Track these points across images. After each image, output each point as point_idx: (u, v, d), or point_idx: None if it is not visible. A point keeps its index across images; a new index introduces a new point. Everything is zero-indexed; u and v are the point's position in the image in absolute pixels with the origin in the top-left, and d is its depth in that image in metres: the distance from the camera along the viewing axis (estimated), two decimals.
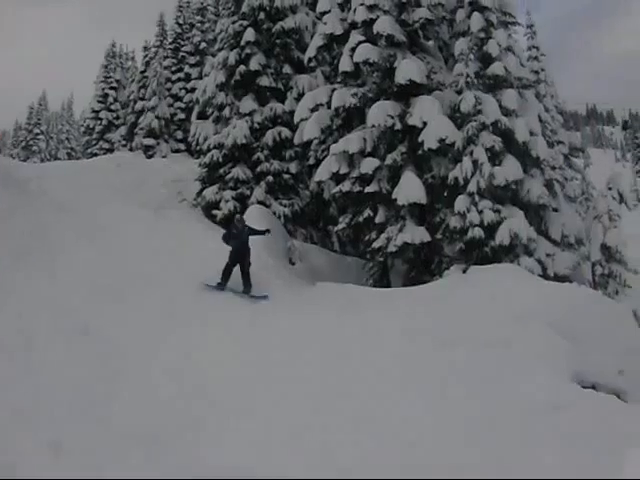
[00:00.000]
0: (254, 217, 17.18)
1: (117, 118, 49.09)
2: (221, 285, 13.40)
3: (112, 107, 49.61)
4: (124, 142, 45.21)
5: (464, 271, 14.12)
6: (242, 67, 21.06)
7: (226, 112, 21.59)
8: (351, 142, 16.74)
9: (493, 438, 7.09)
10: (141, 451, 6.65)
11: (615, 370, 11.01)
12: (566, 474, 6.27)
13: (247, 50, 21.18)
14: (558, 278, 14.80)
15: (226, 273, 13.53)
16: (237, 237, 14.03)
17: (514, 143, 15.48)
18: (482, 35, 16.47)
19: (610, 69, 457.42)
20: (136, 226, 16.09)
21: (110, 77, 50.56)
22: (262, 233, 14.65)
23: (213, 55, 24.50)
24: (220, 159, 20.80)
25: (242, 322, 11.46)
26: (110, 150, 45.10)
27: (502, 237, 14.48)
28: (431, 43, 18.90)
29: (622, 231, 18.26)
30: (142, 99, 42.40)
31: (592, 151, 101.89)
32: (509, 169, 15.04)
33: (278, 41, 21.64)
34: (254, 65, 20.95)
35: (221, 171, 20.87)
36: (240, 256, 13.80)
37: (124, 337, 9.73)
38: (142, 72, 45.10)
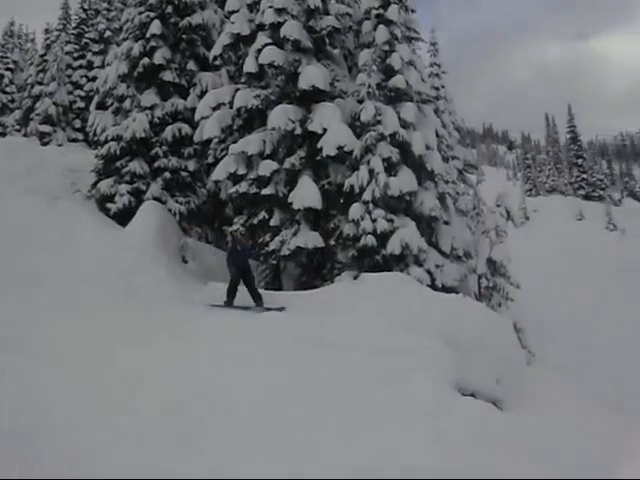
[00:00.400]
0: (148, 213, 16.86)
1: (12, 101, 47.07)
2: (228, 303, 13.14)
3: (7, 89, 47.55)
4: (18, 127, 43.36)
5: (355, 278, 14.29)
6: (146, 59, 20.54)
7: (126, 104, 21.03)
8: (250, 143, 16.69)
9: (373, 440, 7.20)
10: None
11: (493, 379, 11.41)
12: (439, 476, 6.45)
13: (152, 43, 20.67)
14: (446, 289, 15.22)
15: (231, 290, 13.26)
16: (239, 253, 13.68)
17: (410, 155, 15.85)
18: (386, 48, 16.80)
19: (507, 92, 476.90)
20: (26, 215, 15.53)
21: (7, 57, 48.43)
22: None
23: (117, 44, 23.86)
24: (117, 152, 20.22)
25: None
26: (2, 134, 43.14)
27: (394, 246, 14.78)
28: (337, 51, 19.06)
29: (507, 247, 18.97)
30: (40, 83, 40.86)
31: (486, 169, 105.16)
32: (404, 180, 15.39)
33: (184, 36, 21.23)
34: (158, 59, 20.48)
35: (118, 164, 20.28)
36: (242, 272, 13.49)
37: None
38: (42, 55, 43.38)
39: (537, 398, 12.66)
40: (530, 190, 74.01)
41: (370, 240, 14.84)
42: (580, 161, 73.06)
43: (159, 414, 7.55)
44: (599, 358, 23.35)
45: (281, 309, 12.81)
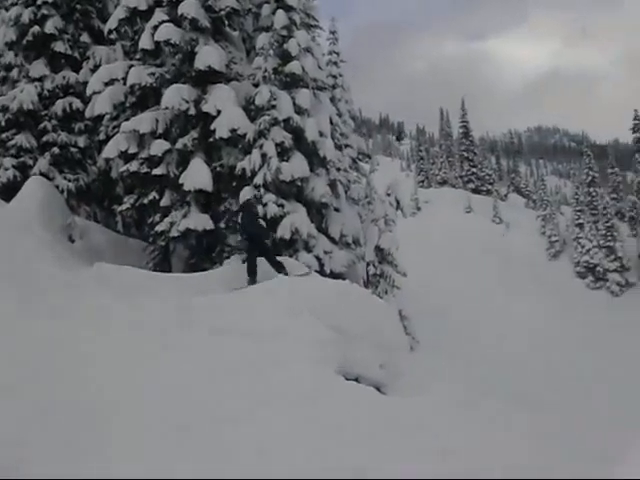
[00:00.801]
0: (33, 189, 16.28)
1: None
2: (251, 282, 12.77)
3: None
4: None
5: (244, 261, 14.32)
6: (36, 28, 19.68)
7: (14, 74, 20.16)
8: (143, 122, 16.37)
9: (257, 423, 7.25)
10: None
11: (377, 364, 11.71)
12: (324, 463, 6.54)
13: (43, 10, 19.81)
14: (334, 275, 15.48)
15: (251, 267, 12.92)
16: (250, 224, 13.36)
17: (303, 141, 15.99)
18: (284, 33, 16.84)
19: (406, 85, 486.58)
20: None
21: None
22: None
23: (6, 9, 22.79)
24: (3, 123, 19.43)
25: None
26: None
27: (283, 231, 14.90)
28: (235, 34, 18.89)
29: (397, 235, 19.47)
30: None
31: (381, 159, 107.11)
32: (296, 166, 15.52)
33: (78, 6, 20.52)
34: (49, 28, 19.68)
35: (3, 136, 19.48)
36: (258, 244, 13.23)
37: None
38: None
39: (420, 382, 13.10)
40: (422, 181, 75.66)
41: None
42: (471, 156, 75.31)
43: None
44: (486, 342, 24.29)
45: (306, 274, 12.92)
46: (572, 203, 59.59)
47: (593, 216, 54.76)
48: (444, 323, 23.19)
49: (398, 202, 20.06)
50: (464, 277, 38.93)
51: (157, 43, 16.91)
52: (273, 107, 15.71)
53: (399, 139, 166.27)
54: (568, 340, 33.47)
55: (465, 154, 75.82)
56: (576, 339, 34.40)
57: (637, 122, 55.46)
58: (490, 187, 73.29)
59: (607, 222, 52.99)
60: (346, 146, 19.69)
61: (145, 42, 17.02)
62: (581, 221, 53.63)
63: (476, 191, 70.89)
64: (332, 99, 19.98)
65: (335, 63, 26.66)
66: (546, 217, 56.22)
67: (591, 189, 58.06)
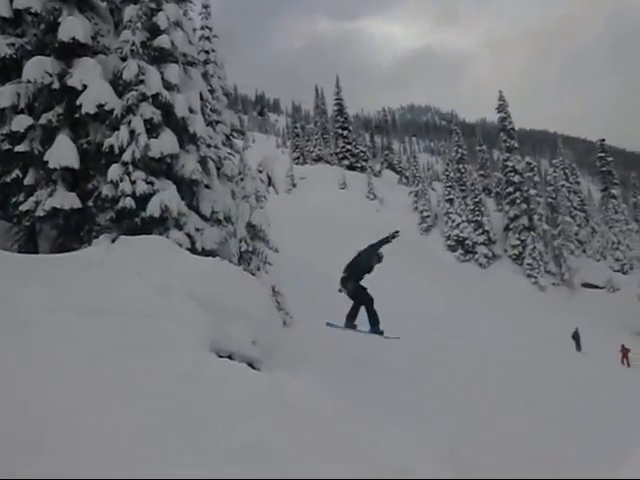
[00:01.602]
0: None
1: None
2: (349, 325, 11.99)
3: None
4: None
5: (113, 241, 14.01)
6: None
7: None
8: (3, 96, 15.57)
9: (120, 407, 7.18)
10: None
11: (250, 340, 11.84)
12: (197, 440, 6.57)
13: None
14: (206, 252, 15.41)
15: (353, 314, 12.07)
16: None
17: (173, 117, 15.72)
18: (153, 6, 16.42)
19: (281, 62, 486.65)
20: None
21: None
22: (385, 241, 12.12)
23: None
24: None
25: None
26: None
27: (153, 209, 14.65)
28: (103, 4, 18.22)
29: (269, 212, 19.58)
30: None
31: (257, 135, 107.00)
32: (165, 142, 15.25)
33: None
34: None
35: None
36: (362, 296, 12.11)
37: None
38: None
39: (293, 357, 13.36)
40: (298, 158, 76.00)
41: (129, 202, 14.58)
42: (345, 133, 76.28)
43: None
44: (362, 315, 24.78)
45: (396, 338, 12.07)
46: (443, 179, 61.83)
47: (462, 192, 57.14)
48: (319, 299, 23.52)
49: (270, 178, 20.13)
50: (339, 252, 39.50)
51: (17, 11, 16.06)
52: (141, 82, 15.33)
53: (261, 114, 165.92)
54: (440, 308, 34.81)
55: (340, 131, 76.73)
56: (447, 307, 35.85)
57: (502, 102, 58.08)
58: (364, 164, 74.59)
59: (475, 197, 55.47)
60: (218, 122, 19.55)
61: (3, 10, 16.12)
62: (451, 197, 55.83)
63: (351, 168, 72.03)
64: (204, 75, 19.72)
65: (208, 38, 26.22)
66: (418, 193, 58.10)
67: (460, 166, 60.49)
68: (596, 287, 52.89)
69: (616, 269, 56.39)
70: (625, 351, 37.37)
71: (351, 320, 12.02)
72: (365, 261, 12.18)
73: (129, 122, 15.02)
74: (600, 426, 15.45)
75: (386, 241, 11.93)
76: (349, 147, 75.52)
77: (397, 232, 11.94)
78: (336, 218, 49.22)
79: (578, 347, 37.29)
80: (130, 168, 14.71)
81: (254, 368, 11.07)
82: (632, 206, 71.69)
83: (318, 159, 74.70)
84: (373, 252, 12.10)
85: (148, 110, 15.18)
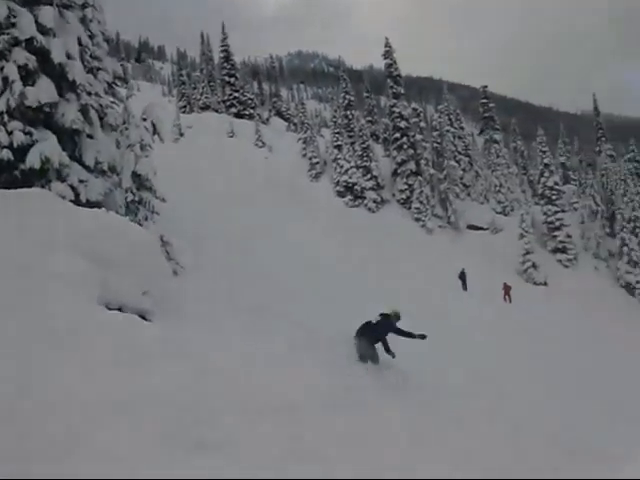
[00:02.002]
0: None
1: None
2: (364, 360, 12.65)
3: None
4: None
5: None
6: None
7: None
8: None
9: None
10: None
11: (140, 292, 11.65)
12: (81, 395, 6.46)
13: None
14: (91, 204, 14.91)
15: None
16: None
17: (50, 64, 14.92)
18: None
19: (167, 6, 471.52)
20: None
21: None
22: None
23: None
24: None
25: None
26: None
27: (33, 160, 13.98)
28: None
29: (155, 161, 19.11)
30: None
31: (142, 84, 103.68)
32: (43, 90, 14.49)
33: None
34: None
35: None
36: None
37: None
38: None
39: (184, 307, 13.27)
40: (185, 107, 74.20)
41: (6, 154, 13.84)
42: (232, 80, 74.84)
43: None
44: (259, 263, 24.78)
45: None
46: (331, 126, 62.02)
47: (350, 138, 57.54)
48: (212, 247, 23.34)
49: (155, 126, 19.58)
50: (231, 201, 39.28)
51: None
52: (13, 25, 14.42)
53: (139, 61, 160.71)
54: (330, 255, 35.24)
55: (227, 79, 75.34)
56: (337, 253, 36.33)
57: (388, 49, 58.47)
58: (252, 111, 73.82)
59: (363, 144, 56.00)
60: (99, 70, 18.64)
61: None
62: (339, 143, 56.11)
63: (239, 115, 71.15)
64: (82, 19, 18.70)
65: None
66: (307, 140, 58.01)
67: (348, 112, 60.77)
68: (480, 229, 54.83)
69: (498, 211, 58.56)
70: (507, 288, 39.23)
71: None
72: (381, 332, 12.87)
73: (1, 68, 14.18)
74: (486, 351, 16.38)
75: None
76: (236, 95, 74.37)
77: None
78: (225, 166, 48.60)
79: (464, 287, 38.82)
80: (5, 118, 13.94)
81: (145, 319, 10.96)
82: (512, 150, 74.43)
83: (205, 107, 73.20)
84: (391, 331, 12.76)
85: (22, 56, 14.34)
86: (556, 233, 53.42)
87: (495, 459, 7.60)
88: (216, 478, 5.54)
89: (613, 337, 32.53)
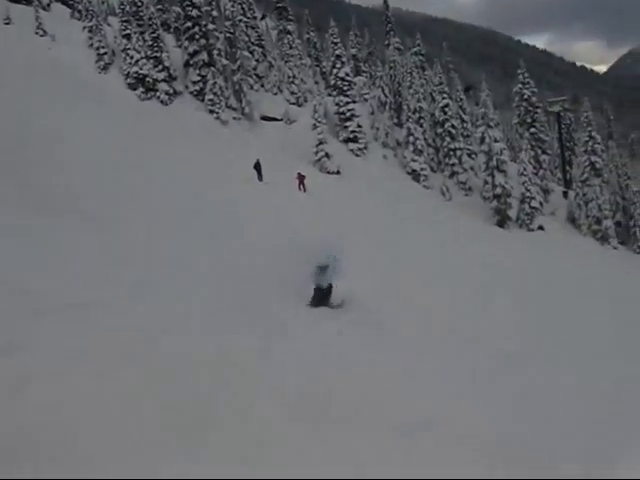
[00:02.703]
0: None
1: None
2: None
3: None
4: None
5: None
6: None
7: None
8: None
9: None
10: None
11: None
12: None
13: None
14: None
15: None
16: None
17: None
18: None
19: None
20: None
21: None
22: None
23: None
24: None
25: None
26: None
27: None
28: None
29: None
30: None
31: None
32: None
33: None
34: None
35: None
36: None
37: None
38: None
39: None
40: None
41: None
42: None
43: None
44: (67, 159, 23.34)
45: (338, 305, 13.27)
46: (118, 14, 58.91)
47: (140, 27, 55.13)
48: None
49: None
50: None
51: None
52: None
53: None
54: (120, 150, 34.11)
55: None
56: (130, 145, 35.19)
57: None
58: None
59: (153, 33, 53.88)
60: None
61: None
62: (128, 32, 53.62)
63: (15, 0, 65.31)
64: None
65: None
66: (93, 28, 54.64)
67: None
68: (275, 120, 55.46)
69: (292, 102, 59.37)
70: (301, 178, 40.43)
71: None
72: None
73: None
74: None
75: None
76: None
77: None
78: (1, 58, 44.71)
79: (260, 177, 39.43)
80: None
81: None
82: (306, 42, 74.86)
83: None
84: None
85: None
86: (347, 123, 55.39)
87: None
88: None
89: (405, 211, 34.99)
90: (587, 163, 53.74)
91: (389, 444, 6.22)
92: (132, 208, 17.96)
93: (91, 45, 53.52)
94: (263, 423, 6.11)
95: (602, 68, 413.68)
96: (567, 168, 63.46)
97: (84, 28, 56.10)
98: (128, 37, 53.02)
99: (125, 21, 54.89)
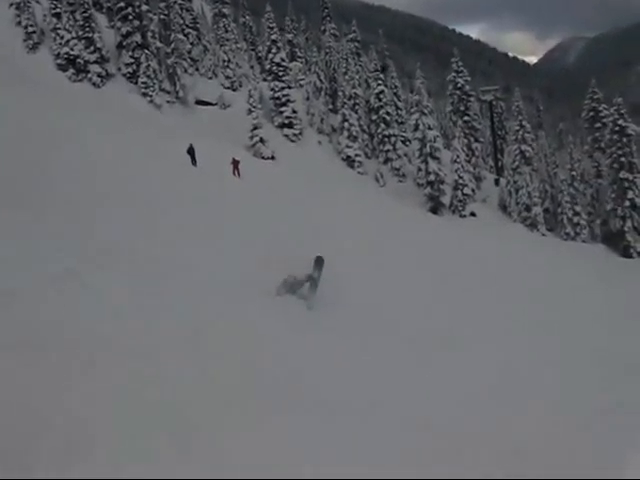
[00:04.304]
0: None
1: None
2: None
3: None
4: None
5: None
6: None
7: None
8: None
9: None
10: None
11: None
12: None
13: None
14: None
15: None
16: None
17: None
18: None
19: None
20: None
21: None
22: None
23: None
24: None
25: None
26: None
27: None
28: None
29: None
30: None
31: None
32: None
33: None
34: None
35: None
36: None
37: None
38: None
39: None
40: None
41: None
42: None
43: None
44: None
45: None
46: None
47: (70, 6, 53.56)
48: None
49: None
50: None
51: None
52: None
53: None
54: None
55: None
56: (62, 125, 34.26)
57: None
58: None
59: (85, 12, 52.52)
60: None
61: None
62: (58, 10, 52.08)
63: None
64: None
65: None
66: (20, 6, 52.77)
67: None
68: (209, 104, 54.94)
69: (227, 86, 58.92)
70: (236, 163, 40.09)
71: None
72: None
73: None
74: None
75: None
76: None
77: None
78: None
79: (194, 162, 38.89)
80: None
81: None
82: (241, 25, 74.25)
83: None
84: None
85: None
86: (283, 109, 55.31)
87: None
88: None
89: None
90: (518, 151, 54.82)
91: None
92: (43, 193, 17.10)
93: (19, 23, 51.68)
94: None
95: (532, 59, 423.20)
96: (499, 156, 64.75)
97: (11, 5, 53.79)
98: (58, 16, 51.42)
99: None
